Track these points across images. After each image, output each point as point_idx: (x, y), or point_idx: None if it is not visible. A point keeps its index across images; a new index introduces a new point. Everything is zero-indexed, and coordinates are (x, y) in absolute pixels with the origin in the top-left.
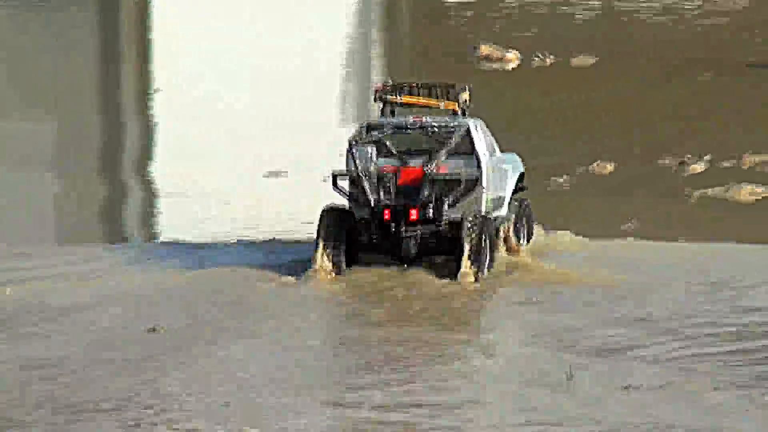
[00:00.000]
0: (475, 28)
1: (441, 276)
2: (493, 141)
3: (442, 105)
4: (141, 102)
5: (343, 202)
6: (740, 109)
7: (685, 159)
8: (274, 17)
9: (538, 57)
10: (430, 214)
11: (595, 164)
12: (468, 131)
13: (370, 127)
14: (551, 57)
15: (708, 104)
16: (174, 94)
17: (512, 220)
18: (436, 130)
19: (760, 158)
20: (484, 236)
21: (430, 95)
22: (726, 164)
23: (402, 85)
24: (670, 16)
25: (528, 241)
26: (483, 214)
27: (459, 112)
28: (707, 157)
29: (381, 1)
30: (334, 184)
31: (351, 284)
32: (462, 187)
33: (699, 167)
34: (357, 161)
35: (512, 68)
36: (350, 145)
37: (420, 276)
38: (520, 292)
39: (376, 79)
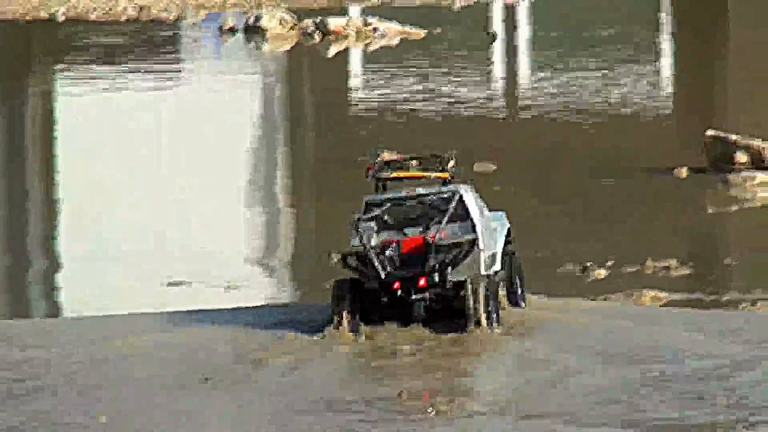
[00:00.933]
0: (379, 136)
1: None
2: (482, 203)
3: (432, 176)
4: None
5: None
6: (642, 215)
7: (588, 264)
8: (178, 126)
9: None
10: (436, 279)
11: None
12: (461, 198)
13: (369, 204)
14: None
15: (610, 209)
16: (73, 200)
17: (504, 278)
18: (432, 199)
19: (662, 264)
20: (488, 292)
21: (419, 167)
22: (629, 269)
23: (392, 161)
24: (575, 120)
25: (522, 297)
26: (483, 273)
27: (449, 180)
28: (609, 263)
29: (284, 112)
30: (344, 262)
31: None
32: (461, 250)
33: (602, 273)
34: (363, 238)
35: None
36: (355, 223)
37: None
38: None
39: (280, 196)
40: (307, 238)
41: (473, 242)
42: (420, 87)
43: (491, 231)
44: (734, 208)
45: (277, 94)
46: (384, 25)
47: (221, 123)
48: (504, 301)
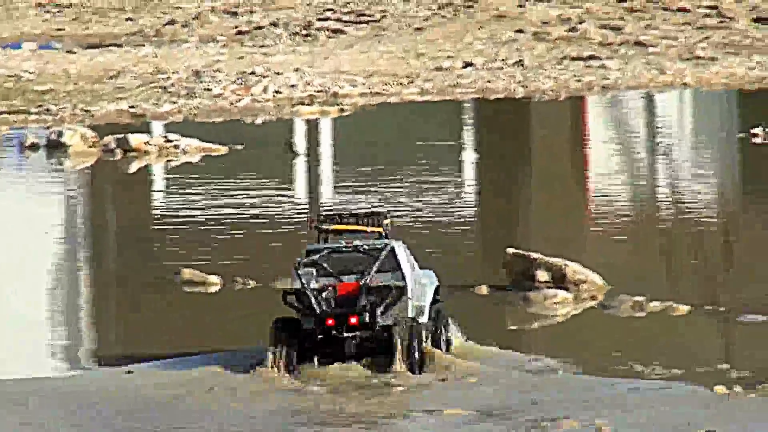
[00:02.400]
0: (181, 251)
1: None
2: (413, 260)
3: (369, 230)
4: None
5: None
6: None
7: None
8: None
9: (239, 281)
10: (367, 319)
11: None
12: (393, 250)
13: (309, 252)
14: (252, 282)
15: None
16: None
17: (430, 329)
18: (366, 250)
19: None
20: (413, 336)
21: (357, 222)
22: None
23: (332, 216)
24: None
25: (448, 347)
26: (411, 318)
27: (384, 235)
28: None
29: (84, 228)
30: (284, 299)
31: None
32: (391, 296)
33: None
34: (302, 279)
35: (214, 291)
36: (295, 267)
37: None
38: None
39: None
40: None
41: (402, 289)
42: (221, 202)
43: (421, 285)
44: (535, 325)
45: (78, 210)
46: (185, 142)
47: (20, 239)
48: (428, 348)
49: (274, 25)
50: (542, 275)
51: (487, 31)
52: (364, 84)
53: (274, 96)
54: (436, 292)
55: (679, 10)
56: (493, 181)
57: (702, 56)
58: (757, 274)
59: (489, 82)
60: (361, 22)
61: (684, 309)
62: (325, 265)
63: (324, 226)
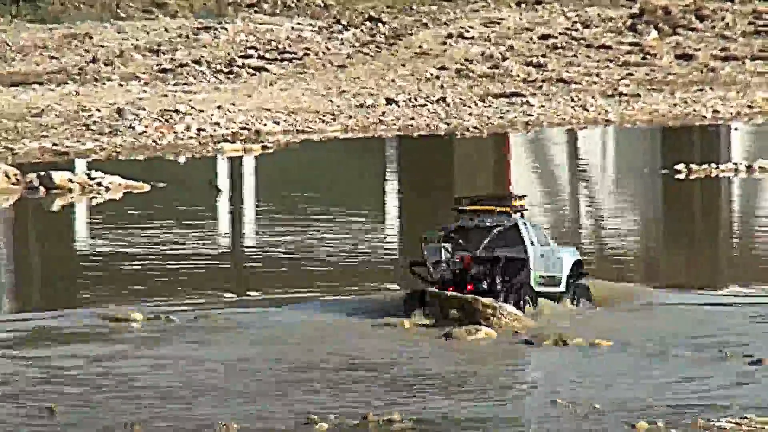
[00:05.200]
0: (105, 288)
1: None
2: (546, 235)
3: (498, 209)
4: None
5: None
6: None
7: None
8: None
9: (162, 317)
10: (485, 287)
11: None
12: (516, 226)
13: (443, 229)
14: (175, 318)
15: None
16: None
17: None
18: (487, 226)
19: None
20: (521, 296)
21: (489, 204)
22: None
23: (470, 197)
24: (298, 273)
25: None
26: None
27: (511, 214)
28: None
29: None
30: (411, 270)
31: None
32: (513, 266)
33: None
34: (427, 253)
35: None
36: (422, 242)
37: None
38: None
39: None
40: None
41: (523, 261)
42: (144, 240)
43: (554, 258)
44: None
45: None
46: (108, 179)
47: None
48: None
49: (197, 63)
50: (454, 312)
51: (410, 68)
52: (286, 121)
53: (197, 134)
54: (578, 265)
55: (602, 47)
56: (415, 217)
57: (625, 93)
58: (675, 313)
59: (412, 119)
60: (283, 60)
61: (606, 344)
62: (460, 240)
63: (457, 206)
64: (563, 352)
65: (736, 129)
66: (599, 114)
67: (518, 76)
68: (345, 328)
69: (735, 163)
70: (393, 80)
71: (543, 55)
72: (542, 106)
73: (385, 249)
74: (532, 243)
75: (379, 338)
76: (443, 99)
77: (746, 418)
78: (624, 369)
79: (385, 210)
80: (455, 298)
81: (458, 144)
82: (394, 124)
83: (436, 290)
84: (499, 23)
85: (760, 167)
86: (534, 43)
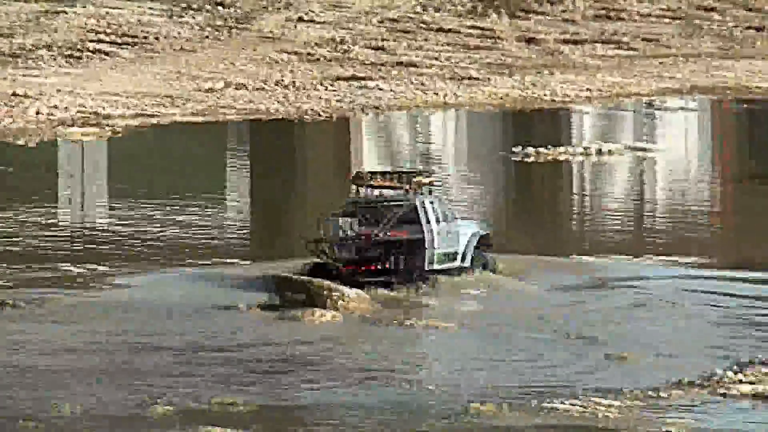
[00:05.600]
0: None
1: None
2: (451, 210)
3: (399, 186)
4: None
5: None
6: None
7: None
8: None
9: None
10: (380, 267)
11: None
12: (416, 205)
13: (345, 204)
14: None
15: None
16: None
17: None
18: (389, 204)
19: None
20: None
21: (391, 179)
22: None
23: (371, 172)
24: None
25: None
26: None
27: (411, 192)
28: None
29: None
30: (308, 247)
31: None
32: (412, 247)
33: None
34: (326, 230)
35: None
36: (320, 219)
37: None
38: None
39: None
40: None
41: (420, 240)
42: None
43: (453, 233)
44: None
45: None
46: None
47: None
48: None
49: (46, 47)
50: (300, 296)
51: (256, 52)
52: (135, 105)
53: (44, 118)
54: (483, 240)
55: (447, 30)
56: (263, 200)
57: (471, 77)
58: (520, 295)
59: (258, 103)
60: (131, 44)
61: (448, 326)
62: (361, 215)
63: (360, 182)
64: (407, 334)
65: (581, 112)
66: (445, 98)
67: (364, 60)
68: (188, 309)
69: (585, 147)
70: (240, 64)
71: (388, 39)
72: (387, 90)
73: (234, 230)
74: (437, 220)
75: (223, 320)
76: (289, 83)
77: (591, 401)
78: (469, 351)
79: (230, 192)
80: (300, 282)
81: (304, 128)
82: (240, 109)
83: (286, 274)
84: (344, 7)
85: (608, 150)
86: (379, 26)
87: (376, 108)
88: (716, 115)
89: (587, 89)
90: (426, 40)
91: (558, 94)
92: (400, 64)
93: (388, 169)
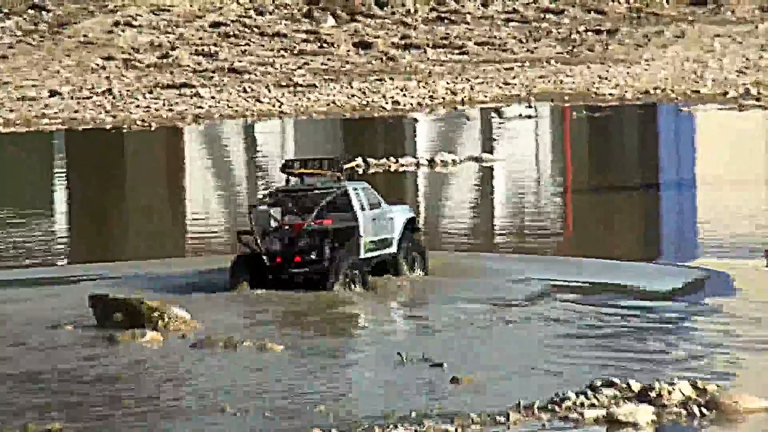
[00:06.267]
0: None
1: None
2: (378, 197)
3: (329, 173)
4: None
5: None
6: None
7: None
8: None
9: None
10: (313, 257)
11: None
12: (346, 191)
13: (269, 194)
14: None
15: None
16: None
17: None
18: (318, 192)
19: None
20: (350, 271)
21: (320, 167)
22: None
23: (298, 160)
24: None
25: (424, 269)
26: (358, 255)
27: (342, 178)
28: None
29: None
30: (239, 239)
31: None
32: (342, 236)
33: None
34: (255, 220)
35: None
36: (249, 208)
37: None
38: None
39: None
40: None
41: (353, 228)
42: None
43: (385, 220)
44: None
45: None
46: None
47: None
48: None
49: None
50: (118, 316)
51: (75, 58)
52: None
53: None
54: (411, 222)
55: (277, 35)
56: (85, 214)
57: (301, 83)
58: (365, 316)
59: (76, 111)
60: None
61: (278, 348)
62: (290, 204)
63: (290, 170)
64: (231, 356)
65: (416, 120)
66: (274, 106)
67: (188, 66)
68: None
69: (416, 157)
70: (57, 71)
71: (214, 44)
72: (213, 98)
73: (58, 247)
74: (363, 208)
75: (38, 341)
76: (109, 90)
77: (423, 425)
78: (298, 374)
79: (51, 207)
80: (120, 300)
81: (126, 138)
82: (58, 118)
83: (107, 294)
84: (168, 10)
85: (441, 161)
86: (205, 31)
87: (201, 117)
88: (559, 122)
89: (422, 96)
90: (254, 44)
91: (391, 101)
92: (226, 70)
93: (314, 156)
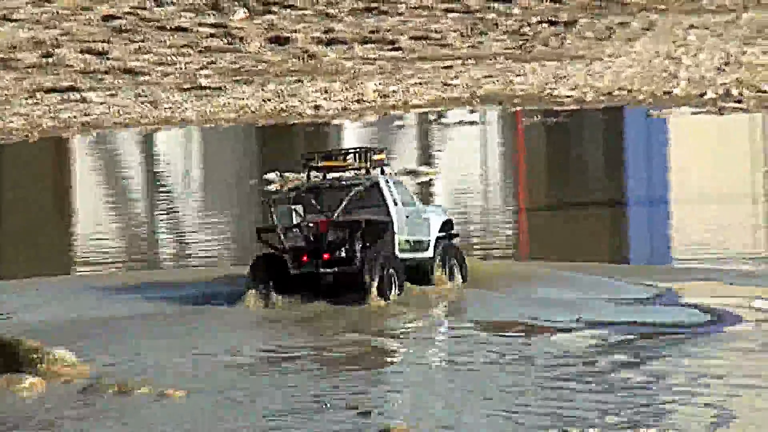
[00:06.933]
0: None
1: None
2: (410, 194)
3: (355, 165)
4: None
5: None
6: None
7: None
8: None
9: None
10: (342, 255)
11: None
12: (377, 184)
13: (290, 189)
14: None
15: None
16: None
17: (440, 266)
18: (346, 185)
19: None
20: (386, 270)
21: (345, 159)
22: None
23: (321, 152)
24: None
25: (463, 276)
26: (393, 253)
27: (371, 170)
28: None
29: None
30: (258, 237)
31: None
32: (374, 231)
33: None
34: (277, 218)
35: None
36: (270, 204)
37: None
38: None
39: None
40: None
41: (387, 224)
42: None
43: (421, 219)
44: None
45: None
46: None
47: None
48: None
49: None
50: None
51: None
52: None
53: None
54: (447, 227)
55: (178, 29)
56: None
57: (206, 86)
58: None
59: None
60: None
61: (178, 394)
62: (313, 201)
63: (312, 163)
64: (125, 404)
65: (342, 127)
66: (174, 112)
67: (75, 66)
68: None
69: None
70: None
71: (106, 41)
72: (104, 103)
73: None
74: (396, 203)
75: None
76: None
77: None
78: (198, 424)
79: None
80: (3, 342)
81: (2, 151)
82: None
83: None
84: (51, 1)
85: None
86: (94, 25)
87: (89, 126)
88: (509, 129)
89: (348, 100)
90: (151, 41)
91: (312, 105)
92: (119, 70)
93: (340, 148)
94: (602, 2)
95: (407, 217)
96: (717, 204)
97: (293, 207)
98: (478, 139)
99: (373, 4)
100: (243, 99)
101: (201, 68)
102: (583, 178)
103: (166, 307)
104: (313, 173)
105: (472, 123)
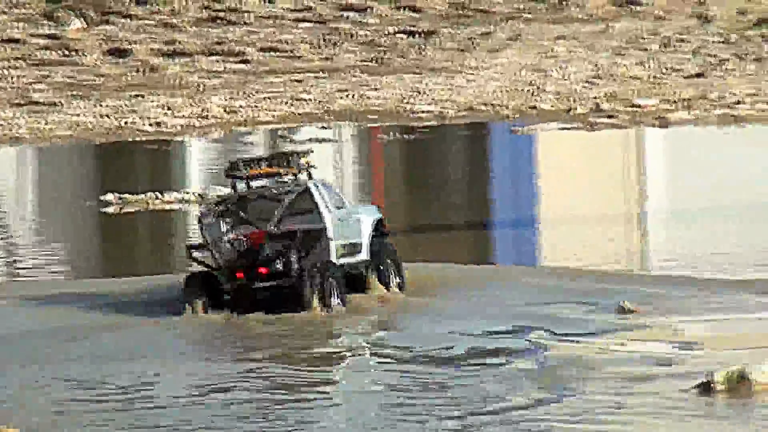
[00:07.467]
0: None
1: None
2: (341, 196)
3: (282, 171)
4: None
5: None
6: None
7: None
8: None
9: None
10: (279, 268)
11: None
12: (308, 190)
13: (218, 202)
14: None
15: None
16: None
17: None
18: (275, 194)
19: None
20: (326, 279)
21: (270, 165)
22: None
23: (244, 160)
24: None
25: (400, 278)
26: (331, 261)
27: (299, 176)
28: None
29: None
30: (189, 255)
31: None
32: (310, 240)
33: None
34: (206, 233)
35: None
36: (198, 220)
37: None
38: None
39: None
40: None
41: (320, 231)
42: None
43: (353, 221)
44: None
45: None
46: None
47: None
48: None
49: None
50: None
51: None
52: None
53: None
54: (379, 225)
55: (9, 41)
56: None
57: (40, 101)
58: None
59: None
60: None
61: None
62: (241, 213)
63: (235, 173)
64: None
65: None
66: (6, 129)
67: None
68: None
69: (184, 192)
70: None
71: None
72: None
73: None
74: (328, 208)
75: None
76: None
77: None
78: None
79: None
80: None
81: None
82: None
83: None
84: None
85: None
86: None
87: None
88: (365, 147)
89: (192, 116)
90: None
91: (153, 122)
92: None
93: (263, 154)
94: (464, 11)
95: (340, 220)
96: (584, 225)
97: (221, 220)
98: (330, 158)
99: (219, 14)
100: (79, 115)
101: (34, 82)
102: (445, 200)
103: None
104: (238, 183)
105: (323, 140)
